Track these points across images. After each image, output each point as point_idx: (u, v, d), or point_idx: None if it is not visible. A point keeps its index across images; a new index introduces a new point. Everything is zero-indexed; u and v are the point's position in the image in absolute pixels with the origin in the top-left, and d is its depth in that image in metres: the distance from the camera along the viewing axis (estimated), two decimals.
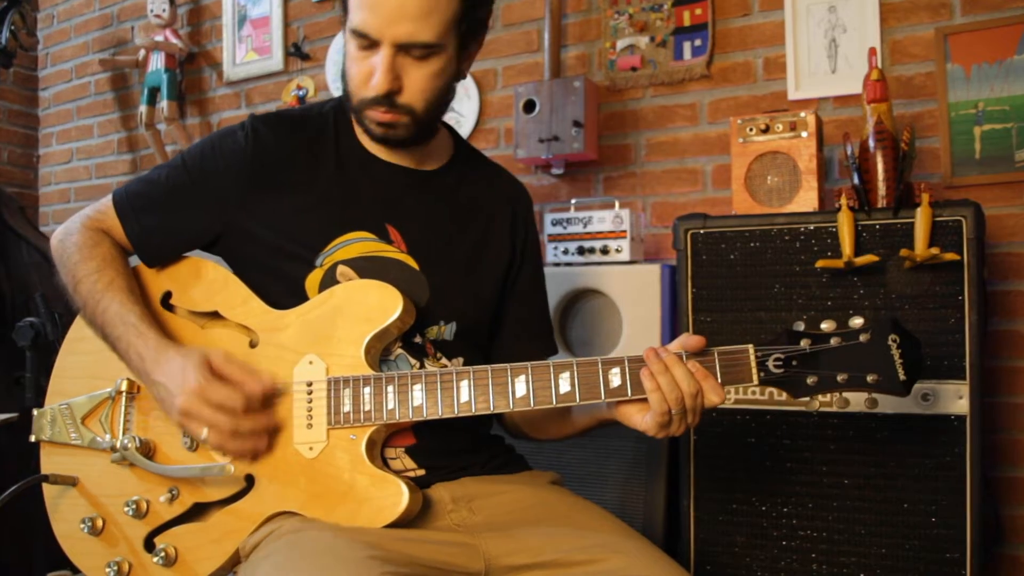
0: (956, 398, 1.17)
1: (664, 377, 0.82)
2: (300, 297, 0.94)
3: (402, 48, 0.88)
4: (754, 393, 1.29)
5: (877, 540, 1.20)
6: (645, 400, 0.83)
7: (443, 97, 0.94)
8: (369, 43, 0.88)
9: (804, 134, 1.36)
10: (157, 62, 2.41)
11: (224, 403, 0.84)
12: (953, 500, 1.16)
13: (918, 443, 1.19)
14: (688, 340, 0.85)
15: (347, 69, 0.93)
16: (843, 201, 1.24)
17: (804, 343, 0.81)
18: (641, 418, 0.85)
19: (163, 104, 2.38)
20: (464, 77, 0.98)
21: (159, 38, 2.41)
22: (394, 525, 0.85)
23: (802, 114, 1.37)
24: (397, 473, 0.89)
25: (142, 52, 2.47)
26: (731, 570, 1.28)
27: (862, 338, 0.80)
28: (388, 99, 0.90)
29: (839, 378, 0.81)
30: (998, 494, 1.45)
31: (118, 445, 0.93)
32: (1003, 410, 1.48)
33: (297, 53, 2.30)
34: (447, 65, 0.91)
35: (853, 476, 1.22)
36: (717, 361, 0.83)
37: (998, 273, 1.49)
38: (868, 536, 1.20)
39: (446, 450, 0.94)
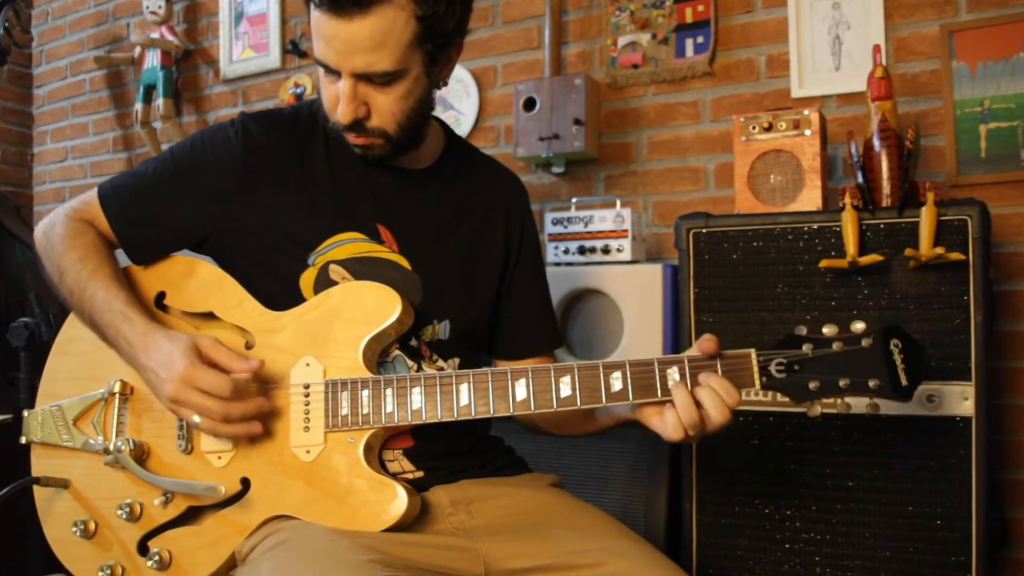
0: (961, 399, 1.16)
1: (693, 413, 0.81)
2: (294, 295, 0.93)
3: (362, 77, 0.86)
4: (757, 395, 1.28)
5: (881, 543, 1.19)
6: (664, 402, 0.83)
7: (418, 113, 0.92)
8: (332, 71, 0.87)
9: (808, 132, 1.35)
10: (153, 59, 2.40)
11: (211, 389, 0.82)
12: (958, 503, 1.15)
13: (923, 445, 1.18)
14: (704, 345, 0.83)
15: (320, 90, 0.92)
16: (847, 200, 1.23)
17: (806, 348, 0.81)
18: (659, 420, 0.84)
19: (159, 102, 2.37)
20: (445, 84, 0.96)
21: (155, 35, 2.40)
22: (392, 529, 0.84)
23: (805, 112, 1.36)
24: (395, 476, 0.88)
25: (138, 49, 2.45)
26: (734, 574, 1.27)
27: (864, 343, 0.80)
28: (357, 126, 0.89)
29: (841, 383, 0.81)
30: (1004, 497, 1.45)
31: (111, 447, 0.92)
32: (1009, 412, 1.47)
33: (294, 50, 2.28)
34: (414, 85, 0.89)
35: (857, 478, 1.21)
36: (719, 367, 0.82)
37: (1004, 273, 1.48)
38: (872, 539, 1.20)
39: (444, 452, 0.94)
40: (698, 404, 0.81)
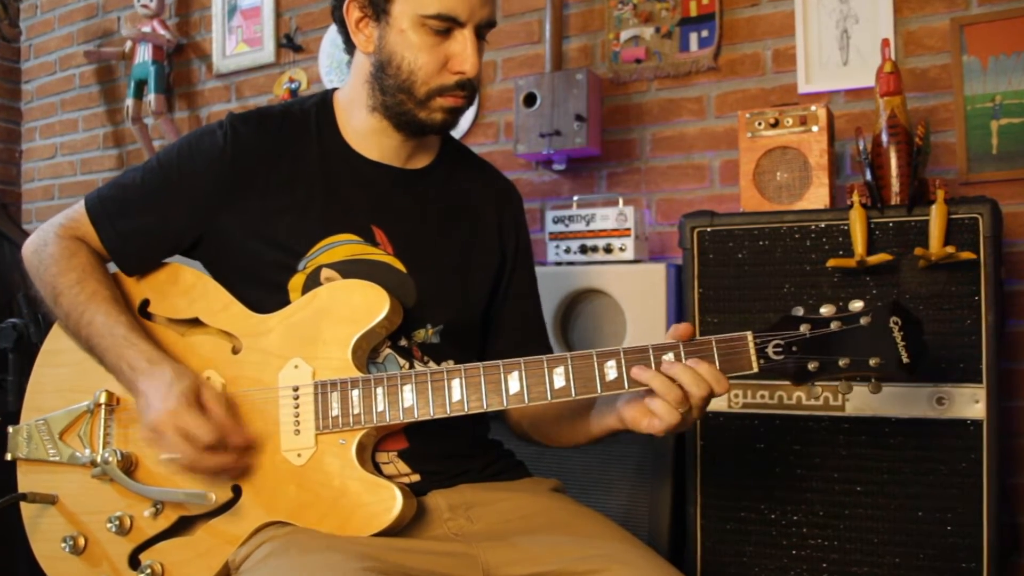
0: (972, 402, 1.15)
1: (674, 392, 0.79)
2: (283, 301, 0.91)
3: (479, 29, 0.91)
4: (763, 397, 1.26)
5: (890, 549, 1.18)
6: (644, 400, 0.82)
7: None
8: (447, 27, 0.88)
9: (815, 128, 1.34)
10: (144, 54, 2.37)
11: (191, 433, 0.81)
12: (969, 508, 1.14)
13: (933, 449, 1.17)
14: (678, 330, 0.82)
15: (413, 59, 0.90)
16: (855, 198, 1.22)
17: (804, 328, 0.80)
18: (648, 419, 0.83)
19: (150, 97, 2.34)
20: None
21: (146, 29, 2.37)
22: (387, 531, 0.82)
23: (813, 108, 1.35)
24: (390, 478, 0.87)
25: (128, 43, 2.42)
26: None
27: (863, 321, 0.79)
28: (470, 82, 0.91)
29: (841, 363, 0.79)
30: (1016, 501, 1.43)
31: (98, 460, 0.91)
32: (1021, 414, 1.45)
33: (289, 44, 2.25)
34: None
35: (866, 483, 1.20)
36: (715, 349, 0.81)
37: (1016, 272, 1.47)
38: (881, 545, 1.18)
39: (440, 453, 0.92)
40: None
